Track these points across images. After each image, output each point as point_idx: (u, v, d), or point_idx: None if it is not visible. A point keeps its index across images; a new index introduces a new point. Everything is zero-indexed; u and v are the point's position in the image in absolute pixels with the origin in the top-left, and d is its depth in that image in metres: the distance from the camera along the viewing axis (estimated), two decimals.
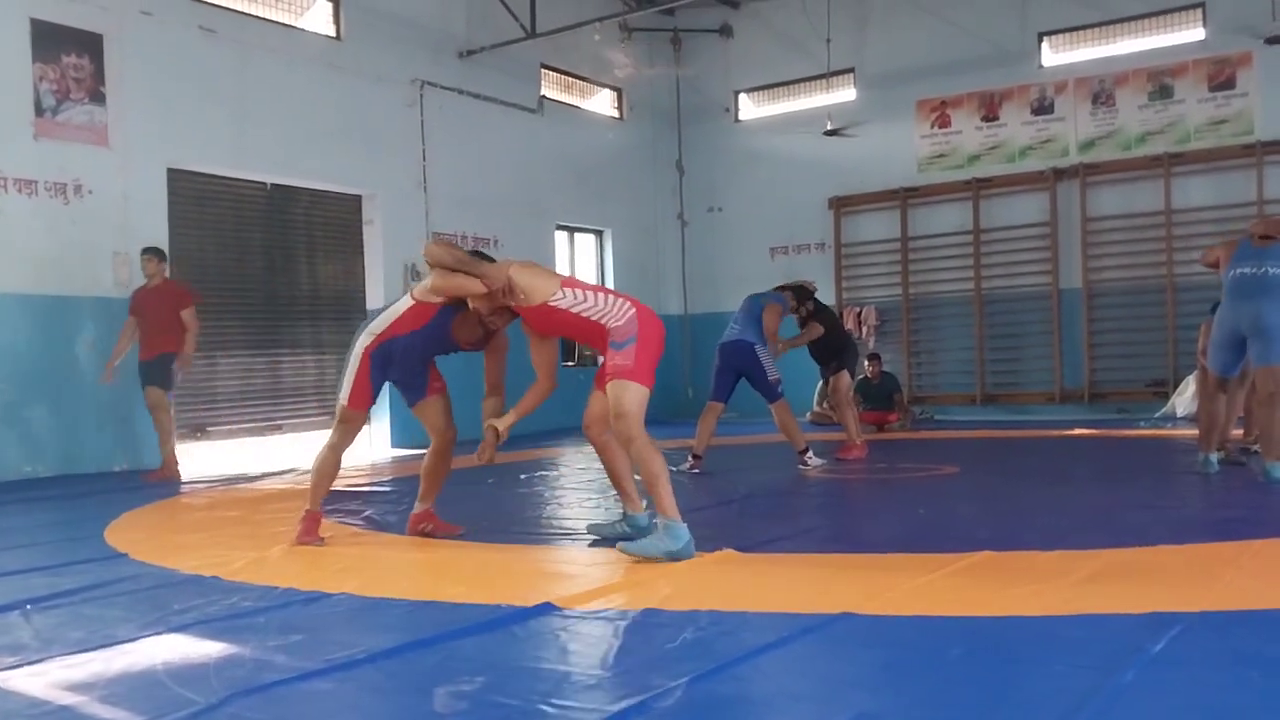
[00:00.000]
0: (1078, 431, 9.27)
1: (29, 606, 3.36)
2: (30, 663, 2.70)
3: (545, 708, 2.19)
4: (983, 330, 11.94)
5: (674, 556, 3.68)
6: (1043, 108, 11.69)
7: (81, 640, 2.93)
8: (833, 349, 7.82)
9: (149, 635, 2.97)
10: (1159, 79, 11.10)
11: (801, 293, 7.79)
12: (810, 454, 6.97)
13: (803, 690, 2.30)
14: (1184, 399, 10.09)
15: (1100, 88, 11.39)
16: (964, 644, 2.57)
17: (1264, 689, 2.19)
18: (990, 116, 11.95)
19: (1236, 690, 2.19)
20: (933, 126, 12.27)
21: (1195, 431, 6.08)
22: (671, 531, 3.72)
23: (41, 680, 2.54)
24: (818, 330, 7.68)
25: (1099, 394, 11.35)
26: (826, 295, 12.67)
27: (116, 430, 8.31)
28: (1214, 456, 5.83)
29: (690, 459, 6.97)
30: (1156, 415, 10.37)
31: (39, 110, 7.95)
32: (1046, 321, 11.61)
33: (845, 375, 7.79)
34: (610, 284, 13.49)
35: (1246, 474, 5.80)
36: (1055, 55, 11.73)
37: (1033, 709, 2.06)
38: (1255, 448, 6.36)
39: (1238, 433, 6.72)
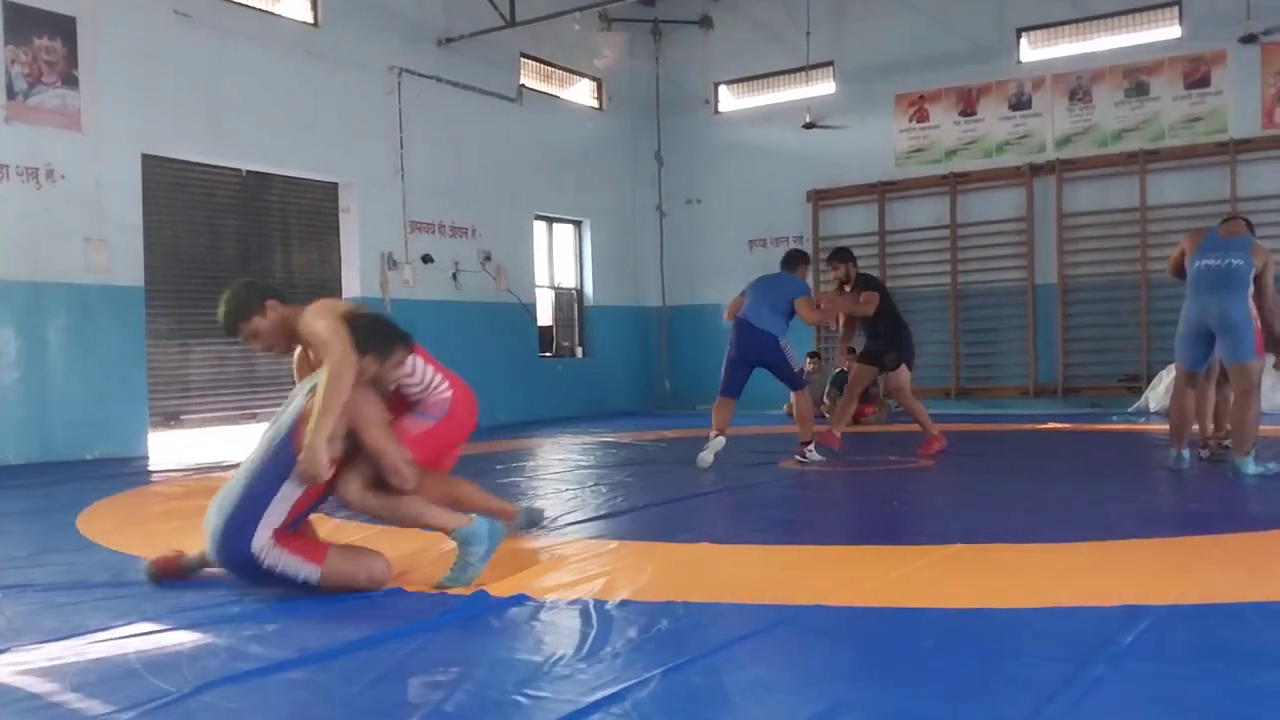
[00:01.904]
0: (1051, 426, 9.34)
1: (0, 595, 3.34)
2: (2, 651, 2.68)
3: (519, 698, 2.19)
4: (958, 324, 12.01)
5: (489, 551, 3.36)
6: (1020, 103, 11.76)
7: (54, 629, 2.91)
8: (889, 336, 7.15)
9: (122, 625, 2.95)
10: (1135, 76, 11.19)
11: (845, 254, 7.24)
12: (812, 448, 6.71)
13: (777, 681, 2.31)
14: (1156, 394, 10.19)
15: (1077, 84, 11.46)
16: (936, 636, 2.59)
17: (1230, 680, 2.22)
18: (968, 111, 12.01)
19: (1204, 681, 2.22)
20: (911, 121, 12.32)
21: (1167, 426, 6.11)
22: (468, 539, 3.32)
23: (13, 669, 2.52)
24: (874, 301, 7.01)
25: (1072, 388, 11.44)
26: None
27: (88, 418, 8.24)
28: (1185, 453, 5.83)
29: (713, 432, 6.66)
30: (1129, 410, 10.48)
31: (10, 93, 7.85)
32: (1021, 316, 11.70)
33: (905, 370, 7.17)
34: (589, 275, 13.49)
35: (1217, 469, 5.86)
36: (1033, 51, 11.80)
37: (1004, 700, 2.08)
38: (1227, 442, 6.41)
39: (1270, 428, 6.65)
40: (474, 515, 3.40)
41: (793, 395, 6.87)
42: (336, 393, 3.16)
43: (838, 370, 11.01)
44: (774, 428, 7.28)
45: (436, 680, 2.36)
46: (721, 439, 6.68)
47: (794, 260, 7.04)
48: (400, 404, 3.68)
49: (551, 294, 13.18)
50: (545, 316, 12.96)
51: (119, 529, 4.71)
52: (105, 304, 8.37)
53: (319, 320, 3.33)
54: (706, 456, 6.59)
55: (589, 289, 13.48)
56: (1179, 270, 5.90)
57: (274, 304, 3.54)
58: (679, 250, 13.84)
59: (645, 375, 14.05)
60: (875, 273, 12.30)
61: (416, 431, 3.65)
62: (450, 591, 3.18)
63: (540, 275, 12.81)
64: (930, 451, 7.03)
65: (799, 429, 6.81)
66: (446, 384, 3.79)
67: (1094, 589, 3.06)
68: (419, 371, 3.71)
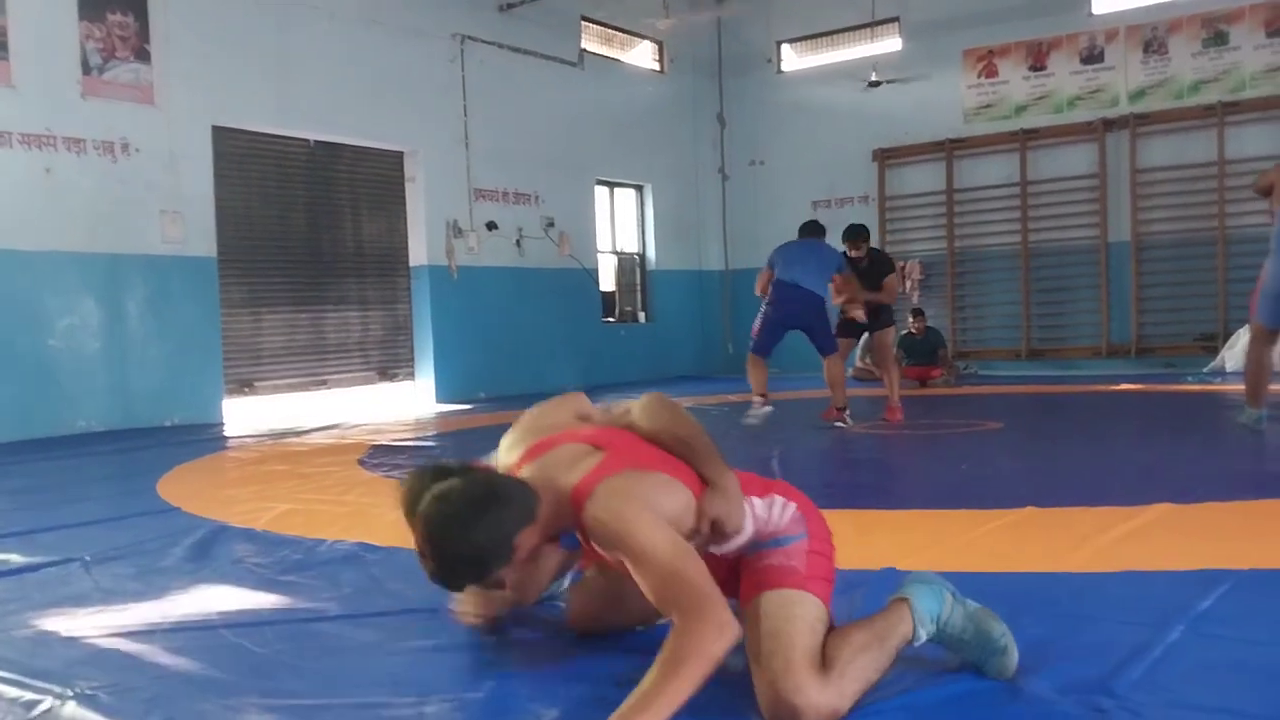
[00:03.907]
0: (1124, 387, 9.14)
1: (88, 558, 3.46)
2: (92, 612, 2.79)
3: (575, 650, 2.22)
4: (1029, 284, 11.77)
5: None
6: (1092, 56, 11.41)
7: (139, 591, 3.01)
8: (883, 304, 7.45)
9: (203, 586, 3.04)
10: (1213, 25, 10.78)
11: (862, 232, 7.44)
12: (848, 413, 6.78)
13: None
14: (1233, 353, 9.91)
15: (1152, 35, 11.09)
16: (1008, 600, 2.55)
17: None
18: (1038, 66, 11.69)
19: None
20: (979, 76, 12.03)
21: (1243, 387, 5.91)
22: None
23: (103, 629, 2.62)
24: (894, 286, 7.37)
25: (1146, 349, 11.18)
26: None
27: (166, 386, 8.47)
28: (1264, 412, 5.65)
29: (759, 400, 6.85)
30: (1205, 370, 10.21)
31: (85, 69, 8.03)
32: (1094, 275, 11.42)
33: (892, 330, 7.45)
34: (651, 239, 13.43)
35: None
36: (1105, 2, 11.42)
37: (1080, 664, 2.06)
38: None
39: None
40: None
41: (826, 361, 6.91)
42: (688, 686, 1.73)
43: (905, 332, 10.87)
44: (825, 391, 7.23)
45: (511, 639, 2.41)
46: (769, 406, 6.75)
47: (820, 229, 7.22)
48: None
49: (614, 259, 13.18)
50: (608, 282, 12.98)
51: (198, 494, 4.85)
52: (180, 275, 8.57)
53: (656, 533, 1.90)
54: (754, 423, 6.65)
55: (651, 253, 13.46)
56: (1267, 191, 5.66)
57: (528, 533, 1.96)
58: (741, 213, 13.73)
59: (707, 339, 14.02)
60: (943, 233, 12.15)
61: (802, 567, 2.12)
62: None
63: (602, 240, 12.81)
64: (891, 420, 7.01)
65: (834, 392, 6.80)
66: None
67: (1170, 552, 3.00)
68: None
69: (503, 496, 1.90)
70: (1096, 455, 5.37)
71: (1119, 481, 4.44)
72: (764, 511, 2.14)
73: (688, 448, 2.11)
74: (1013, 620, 2.40)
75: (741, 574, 2.11)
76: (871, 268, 7.37)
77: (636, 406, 2.22)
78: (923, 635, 2.05)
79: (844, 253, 7.24)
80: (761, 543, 2.11)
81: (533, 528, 1.91)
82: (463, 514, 1.86)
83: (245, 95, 9.01)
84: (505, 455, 2.21)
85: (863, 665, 1.91)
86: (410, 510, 1.97)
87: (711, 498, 2.04)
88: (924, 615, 2.05)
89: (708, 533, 2.04)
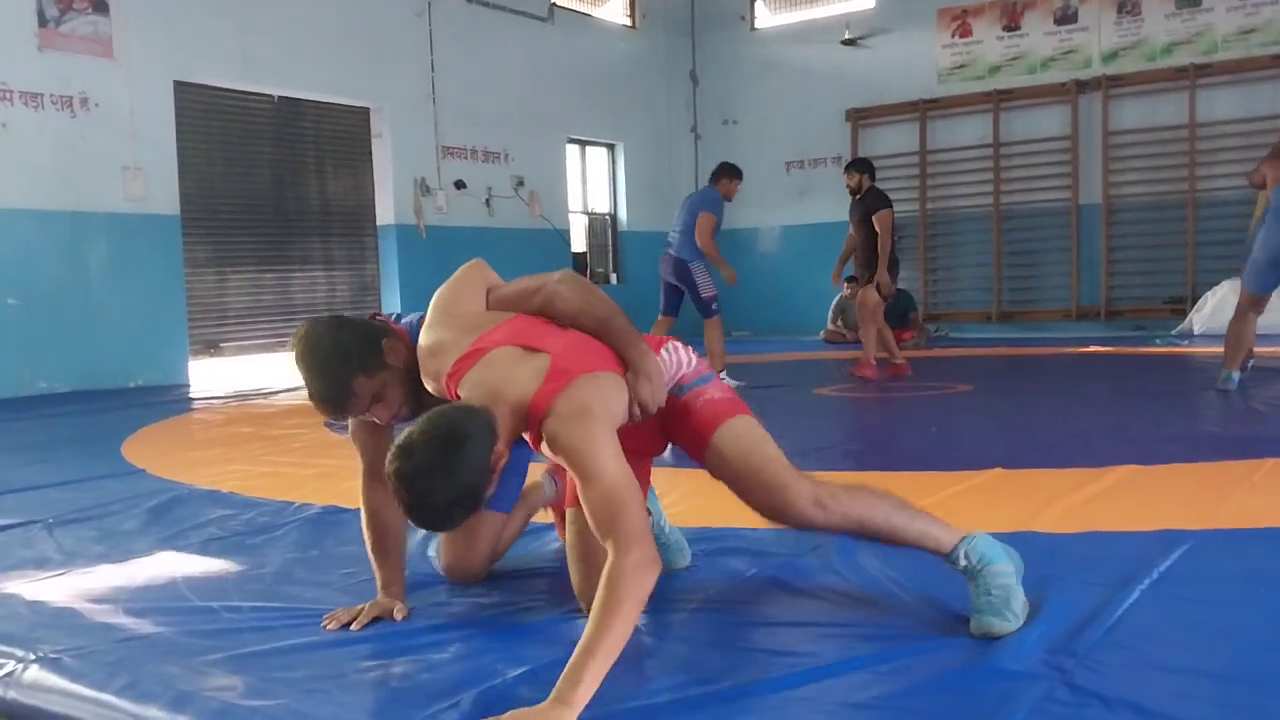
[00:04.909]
0: (1093, 349, 9.23)
1: (51, 521, 3.42)
2: (54, 575, 2.76)
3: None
4: (1000, 247, 11.82)
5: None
6: (1066, 17, 11.39)
7: (103, 554, 2.98)
8: (866, 259, 7.24)
9: (168, 549, 3.02)
10: None
11: (865, 165, 7.39)
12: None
13: (812, 608, 2.32)
14: (1201, 315, 10.02)
15: None
16: None
17: (1272, 605, 2.20)
18: (1012, 26, 11.66)
19: (1244, 606, 2.20)
20: (953, 36, 11.98)
21: (1212, 349, 6.01)
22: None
23: (67, 592, 2.59)
24: (888, 224, 7.07)
25: (1116, 311, 11.27)
26: (842, 211, 12.49)
27: (130, 346, 8.36)
28: (1236, 374, 5.78)
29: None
30: (1173, 333, 10.31)
31: (42, 21, 7.82)
32: (1065, 238, 11.48)
33: (872, 290, 7.22)
34: (623, 199, 13.35)
35: (1263, 391, 5.77)
36: None
37: (1041, 624, 2.08)
38: None
39: (1267, 350, 6.62)
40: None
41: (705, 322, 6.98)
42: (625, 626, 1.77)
43: (836, 298, 10.88)
44: (806, 354, 7.23)
45: (483, 601, 2.40)
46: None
47: (718, 173, 7.22)
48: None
49: (585, 219, 13.10)
50: (579, 242, 12.91)
51: (164, 456, 4.80)
52: (143, 233, 8.43)
53: (611, 461, 1.91)
54: None
55: (623, 214, 13.38)
56: (1262, 184, 5.86)
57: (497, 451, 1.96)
58: None
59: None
60: (915, 194, 12.14)
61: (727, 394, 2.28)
62: None
63: (574, 200, 12.72)
64: (861, 374, 7.06)
65: (711, 357, 6.73)
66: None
67: (1134, 513, 3.03)
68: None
69: (464, 429, 1.89)
70: (1065, 417, 5.42)
71: (1086, 443, 4.49)
72: (670, 358, 2.25)
73: (607, 330, 2.17)
74: None
75: (677, 418, 2.22)
76: (860, 201, 7.30)
77: (551, 283, 2.24)
78: (961, 561, 2.13)
79: (717, 191, 7.15)
80: (685, 385, 2.23)
81: (499, 444, 1.95)
82: (437, 462, 1.85)
83: (207, 50, 8.83)
84: (425, 336, 2.22)
85: (852, 502, 2.13)
86: (300, 355, 2.24)
87: (638, 383, 2.11)
88: (978, 550, 2.13)
89: (636, 415, 2.12)
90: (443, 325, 2.22)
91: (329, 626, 2.23)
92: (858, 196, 7.35)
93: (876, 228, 7.13)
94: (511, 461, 2.56)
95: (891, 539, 2.15)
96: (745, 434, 2.19)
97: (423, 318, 2.32)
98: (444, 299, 2.30)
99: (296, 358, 2.26)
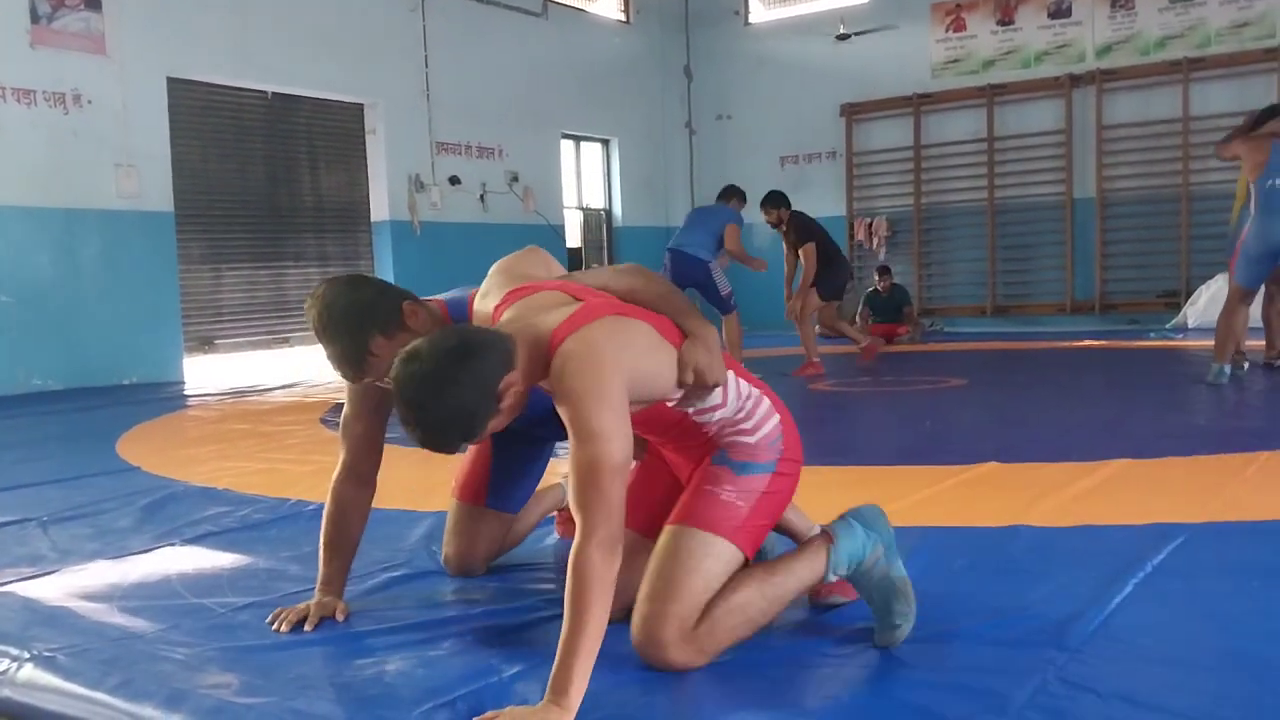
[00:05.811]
0: (1087, 343, 9.24)
1: (45, 518, 3.41)
2: (48, 573, 2.75)
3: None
4: (994, 241, 11.82)
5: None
6: (1060, 11, 11.39)
7: (97, 551, 2.98)
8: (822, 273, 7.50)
9: (163, 546, 3.01)
10: None
11: (778, 199, 7.59)
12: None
13: (796, 607, 2.32)
14: (1196, 309, 10.04)
15: None
16: (968, 554, 2.59)
17: (1264, 598, 2.21)
18: (1006, 20, 11.66)
19: (1236, 599, 2.21)
20: (947, 30, 11.98)
21: (1206, 343, 6.01)
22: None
23: (61, 590, 2.59)
24: (812, 256, 7.39)
25: (1110, 305, 11.29)
26: (837, 206, 12.58)
27: (124, 343, 8.34)
28: (1227, 367, 5.77)
29: None
30: (1167, 326, 10.33)
31: (34, 17, 7.80)
32: (1059, 232, 11.49)
33: (832, 308, 7.68)
34: (618, 195, 13.34)
35: (1256, 385, 5.78)
36: None
37: (1032, 617, 2.09)
38: (1279, 362, 6.32)
39: (1254, 344, 6.65)
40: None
41: (724, 319, 7.24)
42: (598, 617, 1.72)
43: (870, 290, 10.94)
44: (800, 348, 7.25)
45: (473, 598, 2.40)
46: None
47: (729, 193, 7.58)
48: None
49: (580, 215, 13.09)
50: (574, 238, 12.90)
51: (158, 453, 4.79)
52: (137, 230, 8.41)
53: (614, 423, 1.78)
54: None
55: (618, 209, 13.37)
56: (1231, 157, 5.84)
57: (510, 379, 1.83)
58: (709, 168, 13.64)
59: None
60: (910, 189, 12.14)
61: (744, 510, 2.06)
62: None
63: (569, 196, 12.71)
64: (804, 374, 7.17)
65: (731, 350, 7.04)
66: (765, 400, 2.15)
67: (1126, 507, 3.04)
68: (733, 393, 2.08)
69: (475, 344, 1.78)
70: (1059, 411, 5.43)
71: (1080, 437, 4.49)
72: (747, 395, 2.08)
73: (666, 301, 2.05)
74: (969, 574, 2.44)
75: (691, 479, 2.08)
76: (786, 234, 7.59)
77: (609, 271, 2.16)
78: (832, 578, 2.06)
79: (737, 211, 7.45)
80: (729, 452, 2.06)
81: (514, 374, 1.80)
82: (438, 370, 1.73)
83: (201, 46, 8.80)
84: (481, 302, 2.17)
85: (733, 626, 1.94)
86: (316, 313, 2.14)
87: (693, 346, 1.97)
88: (841, 560, 2.05)
89: (690, 384, 1.98)
90: (499, 283, 2.18)
91: (280, 629, 2.21)
92: (782, 228, 7.59)
93: (802, 261, 7.46)
94: (524, 464, 2.58)
95: (781, 607, 2.02)
96: (696, 552, 1.95)
97: (463, 292, 2.30)
98: (504, 263, 2.27)
99: (314, 318, 2.17)
